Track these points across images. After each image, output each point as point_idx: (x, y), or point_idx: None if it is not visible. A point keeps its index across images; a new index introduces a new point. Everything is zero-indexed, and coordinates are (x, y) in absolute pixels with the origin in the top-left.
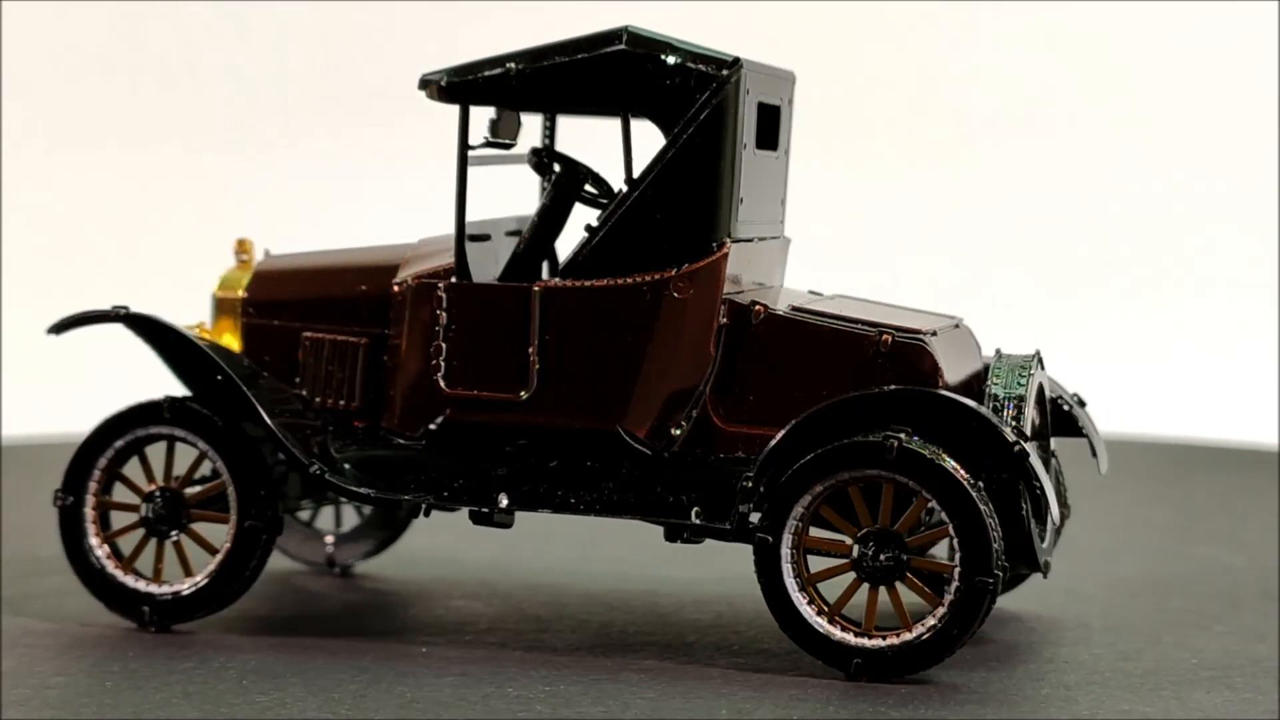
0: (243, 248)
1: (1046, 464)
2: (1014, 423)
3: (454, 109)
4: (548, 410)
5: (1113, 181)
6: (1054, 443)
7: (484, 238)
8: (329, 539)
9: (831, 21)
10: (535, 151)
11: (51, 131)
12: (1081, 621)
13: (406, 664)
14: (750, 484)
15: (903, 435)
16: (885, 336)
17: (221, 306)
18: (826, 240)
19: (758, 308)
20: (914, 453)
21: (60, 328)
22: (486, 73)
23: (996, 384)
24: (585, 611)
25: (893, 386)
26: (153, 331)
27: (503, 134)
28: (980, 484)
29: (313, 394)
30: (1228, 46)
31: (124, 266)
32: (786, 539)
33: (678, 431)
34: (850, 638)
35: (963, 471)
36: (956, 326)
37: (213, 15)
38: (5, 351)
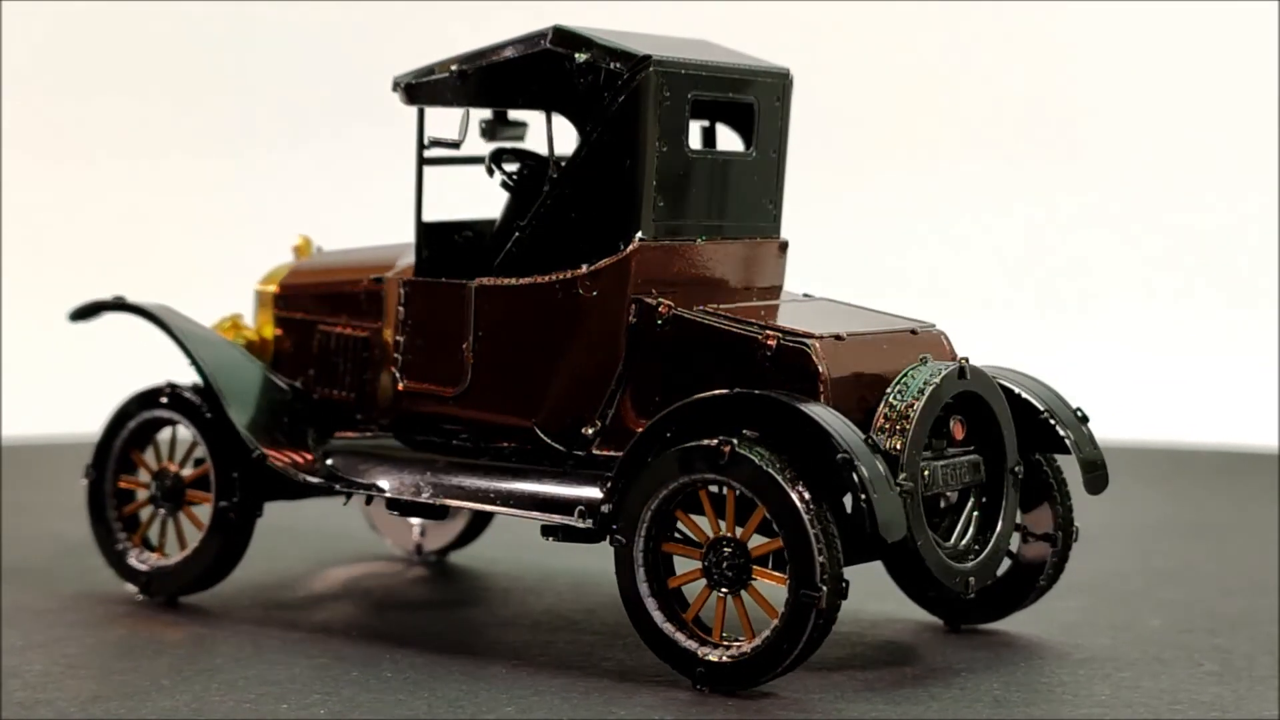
0: (301, 246)
1: (959, 478)
2: (896, 432)
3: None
4: (479, 405)
5: (1123, 185)
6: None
7: (477, 235)
8: (416, 527)
9: (837, 20)
10: (491, 155)
11: (52, 133)
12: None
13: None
14: (610, 484)
15: (735, 440)
16: (770, 339)
17: (261, 300)
18: (829, 243)
19: (662, 307)
20: (744, 458)
21: (78, 315)
22: (436, 75)
23: (894, 392)
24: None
25: (736, 389)
26: (151, 320)
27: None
28: (808, 494)
29: (322, 386)
30: (1219, 48)
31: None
32: (638, 541)
33: (590, 431)
34: (695, 646)
35: (789, 480)
36: (913, 333)
37: (210, 15)
38: (5, 352)
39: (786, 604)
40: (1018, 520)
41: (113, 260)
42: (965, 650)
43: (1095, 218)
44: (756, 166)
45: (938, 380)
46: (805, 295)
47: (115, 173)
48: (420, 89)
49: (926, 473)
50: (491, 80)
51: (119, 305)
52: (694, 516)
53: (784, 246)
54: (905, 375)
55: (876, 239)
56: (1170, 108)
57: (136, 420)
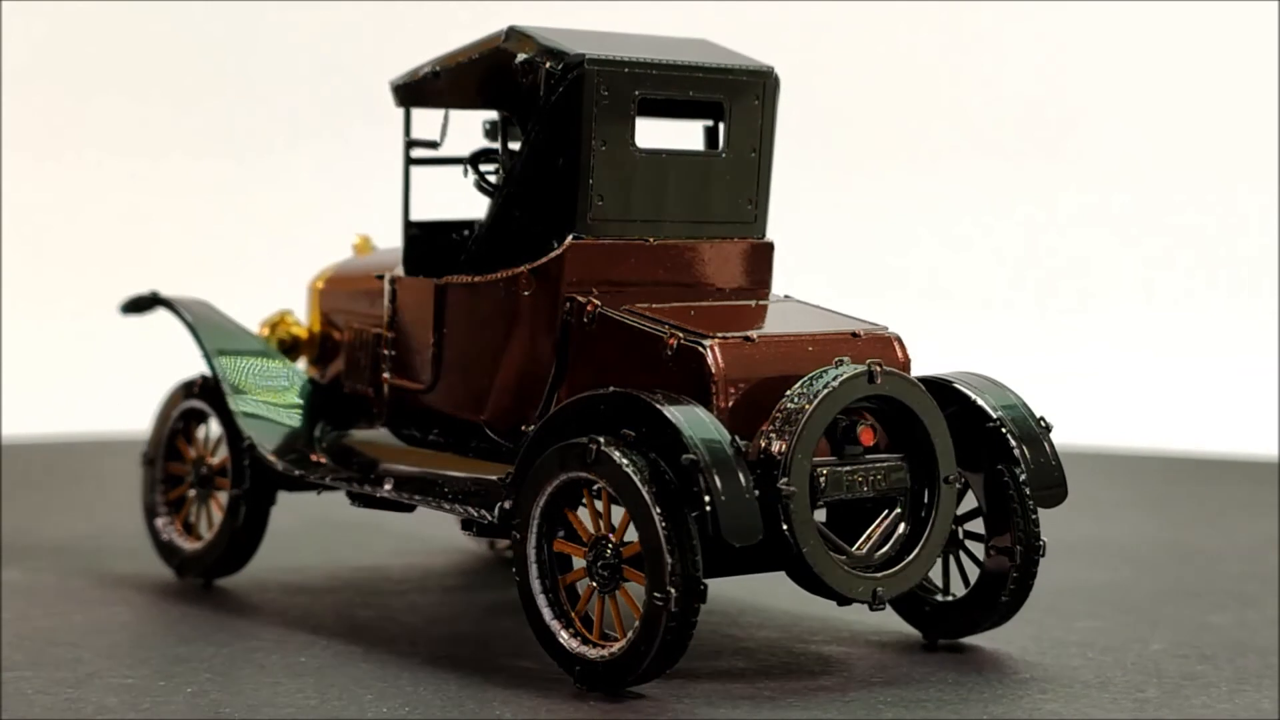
0: (359, 245)
1: (872, 484)
2: (784, 434)
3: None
4: (441, 402)
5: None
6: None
7: (472, 234)
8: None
9: (837, 20)
10: (470, 156)
11: (52, 133)
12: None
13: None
14: (508, 479)
15: (601, 440)
16: (672, 340)
17: (310, 296)
18: (828, 243)
19: (589, 305)
20: (607, 457)
21: (128, 309)
22: (417, 77)
23: (793, 394)
24: None
25: (611, 389)
26: (173, 311)
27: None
28: (661, 494)
29: (349, 380)
30: (1219, 48)
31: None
32: (530, 538)
33: (530, 429)
34: (575, 644)
35: (645, 480)
36: (855, 335)
37: (211, 15)
38: (5, 350)
39: (644, 606)
40: (980, 533)
41: (112, 260)
42: (899, 663)
43: (1095, 217)
44: (730, 166)
45: (836, 383)
46: (785, 296)
47: (115, 172)
48: (405, 90)
49: (824, 478)
50: (458, 81)
51: (154, 299)
52: (583, 515)
53: (767, 247)
54: (813, 377)
55: (877, 239)
56: (1170, 108)
57: (179, 410)
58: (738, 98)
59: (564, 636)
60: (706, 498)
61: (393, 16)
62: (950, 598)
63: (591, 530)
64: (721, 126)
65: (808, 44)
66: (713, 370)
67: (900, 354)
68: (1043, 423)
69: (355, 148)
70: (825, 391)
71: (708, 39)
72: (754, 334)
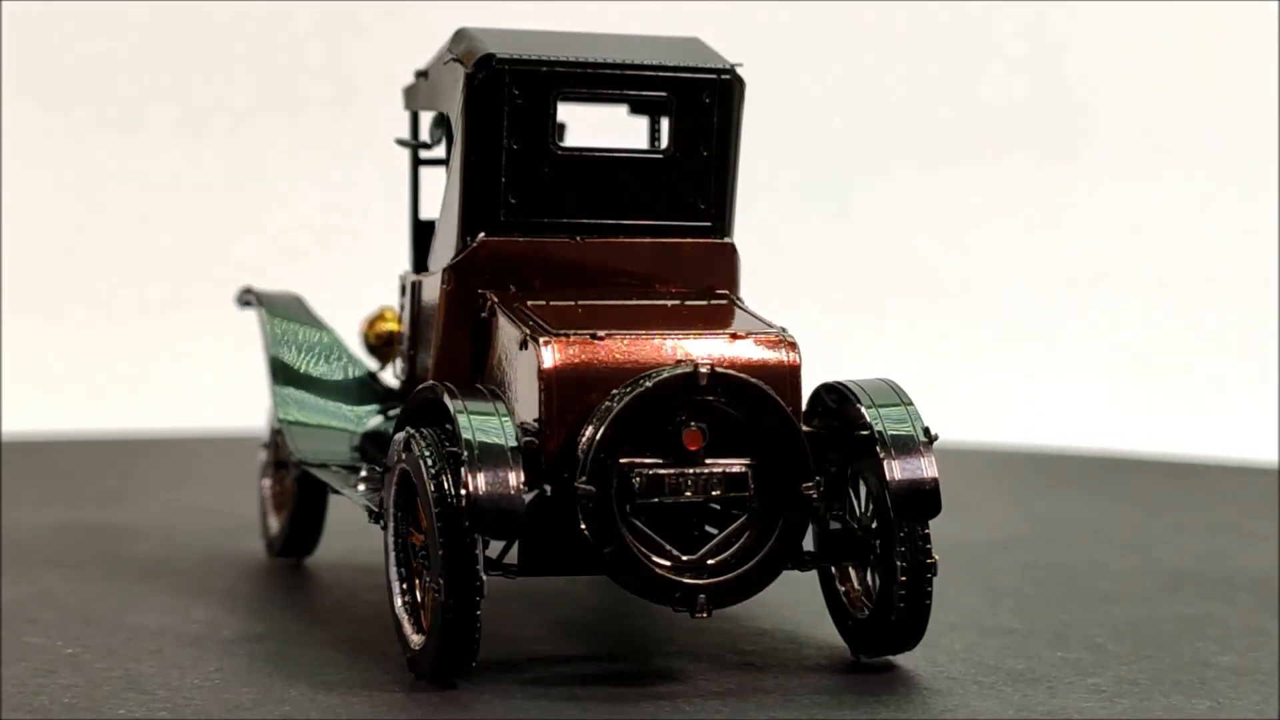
0: None
1: (699, 489)
2: (588, 433)
3: None
4: (407, 395)
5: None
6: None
7: None
8: None
9: (838, 19)
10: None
11: (52, 123)
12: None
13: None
14: (378, 470)
15: (417, 432)
16: (521, 335)
17: (401, 289)
18: (827, 242)
19: (489, 301)
20: (410, 449)
21: (242, 303)
22: (415, 80)
23: (616, 394)
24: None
25: (430, 383)
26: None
27: (430, 135)
28: (436, 489)
29: (410, 374)
30: (1219, 48)
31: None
32: (390, 526)
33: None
34: (410, 633)
35: (429, 473)
36: (734, 337)
37: (212, 16)
38: (5, 347)
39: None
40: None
41: (112, 260)
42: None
43: (1095, 220)
44: (676, 166)
45: (648, 383)
46: (734, 298)
47: (115, 173)
48: (406, 92)
49: (639, 480)
50: (432, 82)
51: (248, 292)
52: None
53: (726, 248)
54: (641, 377)
55: (878, 238)
56: (1170, 108)
57: None
58: (684, 97)
59: (407, 626)
60: (462, 491)
61: (401, 16)
62: (863, 614)
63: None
64: (664, 126)
65: (809, 43)
66: (543, 367)
67: (787, 358)
68: (927, 434)
69: (357, 147)
70: (634, 391)
71: (698, 38)
72: (602, 332)
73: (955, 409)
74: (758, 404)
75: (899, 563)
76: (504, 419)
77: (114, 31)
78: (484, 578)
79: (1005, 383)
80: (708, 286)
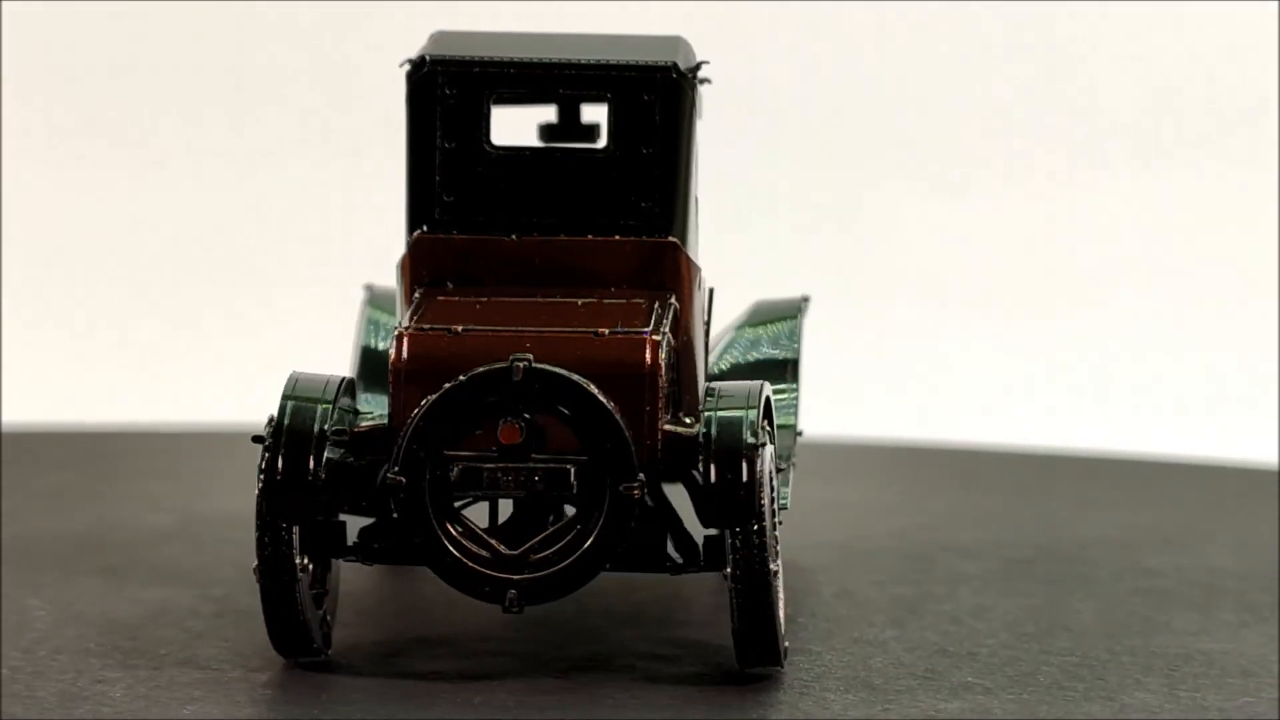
0: None
1: (519, 484)
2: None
3: None
4: None
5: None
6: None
7: None
8: None
9: (836, 20)
10: None
11: (54, 128)
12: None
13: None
14: None
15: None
16: (398, 330)
17: None
18: (826, 243)
19: (417, 297)
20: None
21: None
22: None
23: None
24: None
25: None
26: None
27: None
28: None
29: None
30: (1219, 48)
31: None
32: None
33: None
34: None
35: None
36: (597, 335)
37: (215, 15)
38: (5, 344)
39: None
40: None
41: (113, 260)
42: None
43: (1094, 220)
44: (616, 164)
45: (464, 377)
46: (668, 297)
47: (116, 173)
48: None
49: (457, 472)
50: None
51: (369, 291)
52: None
53: (668, 246)
54: (470, 374)
55: (875, 239)
56: (1171, 109)
57: None
58: (622, 95)
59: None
60: (260, 475)
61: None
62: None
63: None
64: (604, 123)
65: (805, 43)
66: (392, 360)
67: (646, 359)
68: (758, 437)
69: (360, 145)
70: (449, 385)
71: (679, 37)
72: (459, 327)
73: (955, 409)
74: (579, 402)
75: (736, 570)
76: (325, 406)
77: (114, 31)
78: (299, 562)
79: (1012, 383)
80: (648, 283)
